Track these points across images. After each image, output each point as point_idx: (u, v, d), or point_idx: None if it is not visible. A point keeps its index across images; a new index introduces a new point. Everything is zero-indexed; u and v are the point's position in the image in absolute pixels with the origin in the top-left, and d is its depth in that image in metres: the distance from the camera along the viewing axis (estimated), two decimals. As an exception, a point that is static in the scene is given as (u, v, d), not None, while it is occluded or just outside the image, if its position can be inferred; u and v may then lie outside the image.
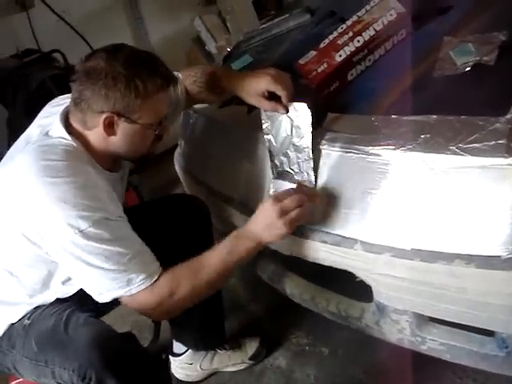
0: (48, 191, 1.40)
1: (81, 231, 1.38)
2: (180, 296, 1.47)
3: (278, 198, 1.50)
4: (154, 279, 1.45)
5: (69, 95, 1.57)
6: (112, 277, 1.42)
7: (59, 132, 1.52)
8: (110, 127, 1.49)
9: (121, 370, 1.38)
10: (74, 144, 1.50)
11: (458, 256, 1.28)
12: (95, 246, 1.40)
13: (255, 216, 1.53)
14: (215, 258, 1.51)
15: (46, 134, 1.54)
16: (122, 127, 1.49)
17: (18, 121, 3.07)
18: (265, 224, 1.50)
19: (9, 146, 3.08)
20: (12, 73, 3.08)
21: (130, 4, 4.08)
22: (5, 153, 1.64)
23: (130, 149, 1.56)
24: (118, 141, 1.52)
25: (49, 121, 1.58)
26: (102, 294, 1.45)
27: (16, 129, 3.09)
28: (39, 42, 3.44)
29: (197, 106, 2.07)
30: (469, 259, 1.27)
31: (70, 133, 1.51)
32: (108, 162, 1.59)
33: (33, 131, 1.60)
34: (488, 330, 1.39)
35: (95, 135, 1.52)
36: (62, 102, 1.65)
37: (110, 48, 1.49)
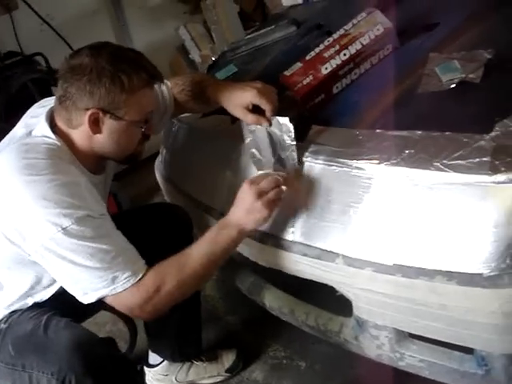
0: (29, 189, 1.38)
1: (63, 229, 1.35)
2: (166, 291, 1.44)
3: (254, 181, 1.50)
4: (139, 277, 1.42)
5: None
6: (96, 275, 1.39)
7: (43, 131, 1.50)
8: (95, 124, 1.47)
9: (101, 374, 1.37)
10: (58, 143, 1.48)
11: (439, 272, 1.28)
12: (78, 243, 1.37)
13: (234, 204, 1.52)
14: (199, 250, 1.49)
15: (30, 133, 1.52)
16: (108, 124, 1.48)
17: (-3, 124, 3.04)
18: (244, 209, 1.49)
19: (-13, 148, 3.08)
20: (-8, 75, 3.05)
21: (114, 10, 4.07)
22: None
23: (115, 147, 1.54)
24: (103, 139, 1.50)
25: (34, 121, 1.56)
26: (86, 293, 1.41)
27: (-5, 132, 3.07)
28: (22, 45, 3.40)
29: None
30: (450, 276, 1.26)
31: (54, 132, 1.49)
32: (92, 163, 1.57)
33: (17, 131, 1.58)
34: (468, 348, 1.39)
35: (80, 134, 1.50)
36: (50, 102, 1.62)
37: (95, 45, 1.49)
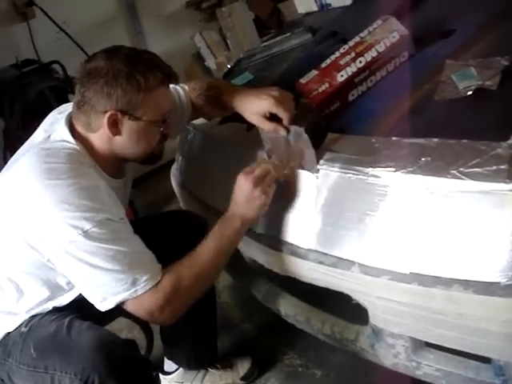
0: (50, 193, 1.39)
1: (84, 232, 1.37)
2: (183, 290, 1.47)
3: (248, 172, 1.55)
4: (158, 279, 1.44)
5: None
6: (116, 277, 1.39)
7: (63, 135, 1.52)
8: (114, 126, 1.48)
9: (124, 375, 1.38)
10: (77, 147, 1.50)
11: (456, 281, 1.27)
12: (99, 246, 1.38)
13: (233, 196, 1.57)
14: (207, 246, 1.53)
15: (49, 137, 1.54)
16: (127, 126, 1.49)
17: (14, 131, 3.06)
18: (244, 199, 1.55)
19: (4, 156, 3.10)
20: (10, 83, 3.08)
21: (130, 18, 4.09)
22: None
23: (136, 148, 1.55)
24: (123, 140, 1.52)
25: (53, 126, 1.58)
26: (105, 299, 1.42)
27: (12, 139, 3.10)
28: (39, 53, 3.43)
29: (195, 122, 2.06)
30: (467, 285, 1.25)
31: (74, 137, 1.51)
32: (111, 166, 1.59)
33: (37, 137, 1.60)
34: (485, 357, 1.37)
35: (100, 137, 1.52)
36: (68, 108, 1.64)
37: (109, 48, 1.51)
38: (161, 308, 1.44)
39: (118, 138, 1.51)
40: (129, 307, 1.45)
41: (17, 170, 1.50)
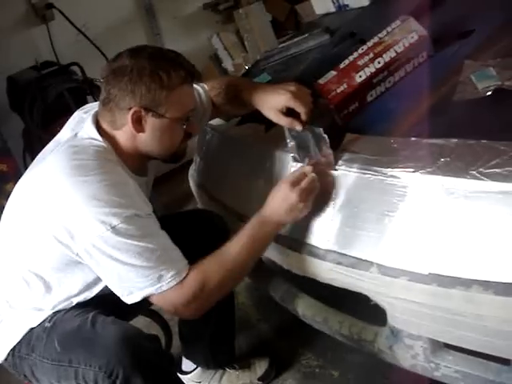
0: (79, 189, 1.41)
1: (112, 227, 1.39)
2: (210, 288, 1.48)
3: (295, 180, 1.54)
4: (184, 276, 1.45)
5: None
6: (143, 273, 1.41)
7: (90, 133, 1.54)
8: (138, 123, 1.51)
9: (148, 368, 1.40)
10: (104, 145, 1.52)
11: (476, 282, 1.26)
12: (127, 242, 1.40)
13: (272, 201, 1.56)
14: (239, 246, 1.52)
15: (76, 135, 1.57)
16: (150, 122, 1.51)
17: (34, 132, 3.09)
18: (285, 208, 1.54)
19: (24, 156, 3.13)
20: (30, 84, 3.11)
21: (148, 20, 4.12)
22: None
23: (159, 146, 1.57)
24: (146, 137, 1.54)
25: (81, 125, 1.60)
26: (132, 293, 1.44)
27: (32, 140, 3.13)
28: (58, 55, 3.47)
29: (213, 123, 2.07)
30: (487, 286, 1.24)
31: (100, 134, 1.53)
32: (135, 164, 1.60)
33: (64, 134, 1.62)
34: (505, 359, 1.37)
35: (124, 134, 1.54)
36: (93, 107, 1.67)
37: (134, 47, 1.54)
38: (185, 304, 1.46)
39: (141, 134, 1.53)
40: (154, 300, 1.47)
41: (45, 167, 1.52)
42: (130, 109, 1.48)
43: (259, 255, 1.61)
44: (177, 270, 1.44)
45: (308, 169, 1.57)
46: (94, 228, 1.39)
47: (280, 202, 1.54)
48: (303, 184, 1.52)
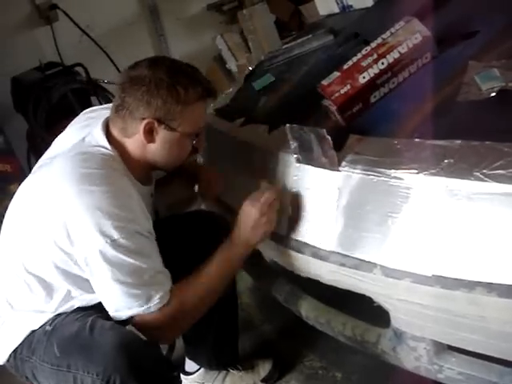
0: (85, 198, 1.42)
1: (112, 241, 1.40)
2: (187, 310, 1.52)
3: (254, 198, 1.58)
4: (168, 298, 1.47)
5: (106, 105, 1.59)
6: (132, 293, 1.43)
7: (99, 140, 1.54)
8: (149, 134, 1.52)
9: (145, 375, 1.39)
10: (112, 153, 1.53)
11: (479, 284, 1.25)
12: (122, 258, 1.41)
13: (238, 222, 1.60)
14: (212, 270, 1.57)
15: (85, 140, 1.57)
16: (162, 134, 1.53)
17: (37, 133, 3.09)
18: (250, 226, 1.58)
19: (28, 157, 3.14)
20: (34, 85, 3.12)
21: (152, 21, 4.12)
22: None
23: (166, 157, 1.59)
24: (156, 148, 1.55)
25: (89, 129, 1.61)
26: (118, 310, 1.46)
27: (36, 141, 3.13)
28: (62, 56, 3.48)
29: (217, 123, 2.07)
30: (490, 288, 1.24)
31: (109, 142, 1.54)
32: (141, 173, 1.61)
33: (71, 137, 1.62)
34: (508, 361, 1.36)
35: (134, 142, 1.55)
36: (102, 112, 1.68)
37: (153, 58, 1.55)
38: (167, 325, 1.50)
39: (151, 145, 1.54)
40: (138, 321, 1.48)
41: (51, 172, 1.53)
42: (143, 119, 1.49)
43: (230, 277, 1.66)
44: (164, 292, 1.47)
45: (265, 185, 1.62)
46: (95, 239, 1.40)
47: (244, 220, 1.58)
48: (262, 199, 1.56)
